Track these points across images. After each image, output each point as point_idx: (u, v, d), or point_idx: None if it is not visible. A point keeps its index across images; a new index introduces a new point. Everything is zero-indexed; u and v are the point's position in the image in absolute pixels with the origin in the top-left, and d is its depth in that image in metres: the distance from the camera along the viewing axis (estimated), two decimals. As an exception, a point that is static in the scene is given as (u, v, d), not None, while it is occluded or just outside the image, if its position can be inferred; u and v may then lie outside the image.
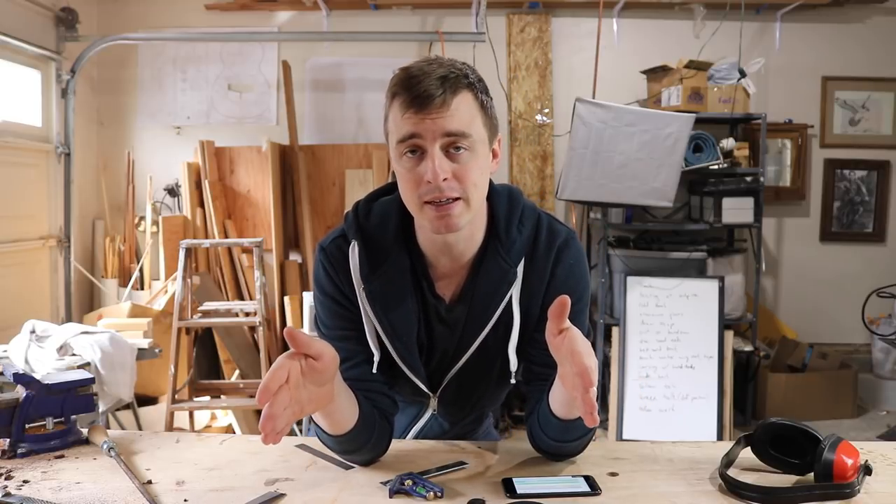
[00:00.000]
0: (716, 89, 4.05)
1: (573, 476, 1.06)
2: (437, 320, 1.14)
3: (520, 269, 1.10)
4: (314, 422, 1.05)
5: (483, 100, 1.03)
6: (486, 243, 1.11)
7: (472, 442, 1.24)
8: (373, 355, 1.12)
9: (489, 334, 1.12)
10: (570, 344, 0.89)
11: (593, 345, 0.94)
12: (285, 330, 0.87)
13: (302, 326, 3.52)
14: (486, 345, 1.13)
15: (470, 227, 1.07)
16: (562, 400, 1.02)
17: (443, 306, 1.13)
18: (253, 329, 3.92)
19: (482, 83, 1.04)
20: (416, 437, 1.28)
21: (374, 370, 1.12)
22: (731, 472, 1.05)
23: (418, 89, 0.97)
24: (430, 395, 1.20)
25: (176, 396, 3.18)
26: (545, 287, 1.11)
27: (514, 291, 1.10)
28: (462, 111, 0.99)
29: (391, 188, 1.16)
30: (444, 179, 0.98)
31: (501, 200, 1.12)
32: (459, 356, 1.15)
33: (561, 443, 1.08)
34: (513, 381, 1.15)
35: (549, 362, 0.98)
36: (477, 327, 1.12)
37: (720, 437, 3.56)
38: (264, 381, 0.84)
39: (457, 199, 1.00)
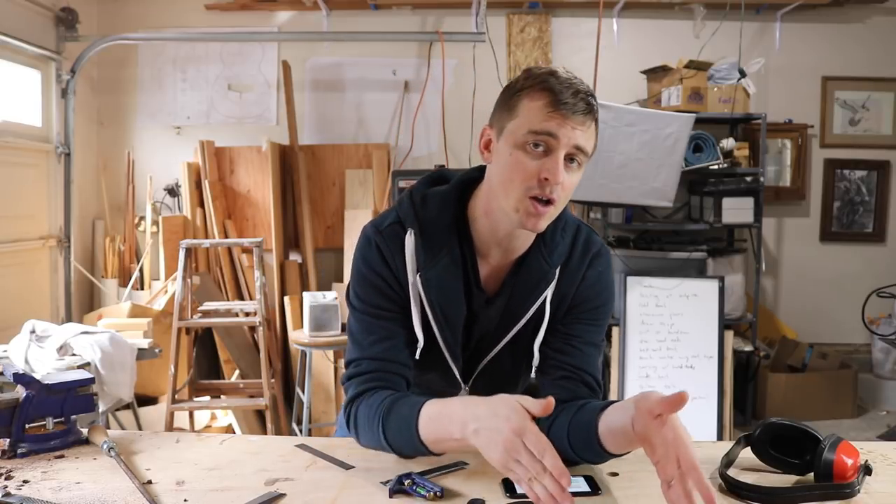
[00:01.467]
0: (716, 89, 4.05)
1: (573, 476, 1.06)
2: (477, 311, 1.19)
3: (552, 284, 1.17)
4: (387, 436, 1.06)
5: (598, 128, 1.10)
6: (533, 245, 1.17)
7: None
8: (415, 340, 1.16)
9: (521, 329, 1.18)
10: (675, 433, 0.89)
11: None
12: (548, 404, 0.89)
13: (302, 326, 3.52)
14: (517, 339, 1.19)
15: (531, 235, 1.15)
16: (616, 432, 1.00)
17: (483, 298, 1.18)
18: (253, 329, 3.92)
19: (598, 115, 1.11)
20: None
21: (416, 356, 1.16)
22: (731, 472, 1.05)
23: (573, 98, 1.03)
24: (462, 385, 1.23)
25: (176, 396, 3.18)
26: (575, 289, 1.19)
27: (549, 291, 1.17)
28: (590, 135, 1.07)
29: (441, 178, 1.23)
30: (558, 184, 1.05)
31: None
32: (492, 347, 1.20)
33: (582, 459, 1.07)
34: (532, 374, 1.20)
35: (564, 349, 1.15)
36: (511, 321, 1.18)
37: (720, 437, 3.56)
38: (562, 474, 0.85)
39: (552, 204, 1.07)
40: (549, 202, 1.05)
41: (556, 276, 1.17)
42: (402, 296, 1.16)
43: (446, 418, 0.99)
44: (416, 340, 1.16)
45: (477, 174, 1.20)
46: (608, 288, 1.22)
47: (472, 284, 1.17)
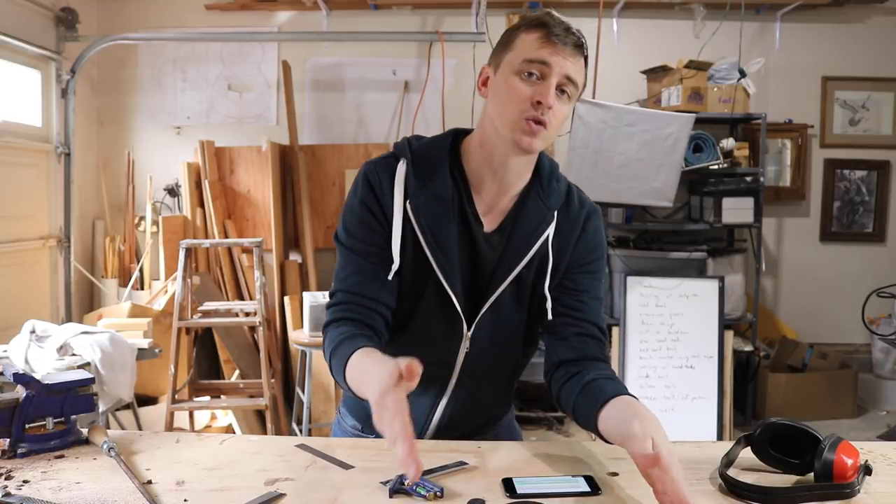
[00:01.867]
0: (716, 89, 4.05)
1: (573, 476, 1.06)
2: (477, 244, 1.21)
3: (552, 224, 1.22)
4: (346, 380, 1.09)
5: (586, 71, 1.19)
6: (529, 188, 1.23)
7: (473, 442, 1.24)
8: (391, 265, 1.17)
9: (524, 270, 1.20)
10: (671, 473, 0.90)
11: None
12: (408, 367, 0.90)
13: (302, 326, 3.52)
14: (520, 283, 1.21)
15: (525, 163, 1.20)
16: (611, 436, 1.06)
17: (482, 231, 1.21)
18: (253, 329, 3.92)
19: (588, 58, 1.19)
20: (441, 420, 1.28)
21: (392, 280, 1.17)
22: (731, 472, 1.05)
23: (565, 32, 1.13)
24: (465, 328, 1.22)
25: (176, 396, 3.18)
26: (576, 239, 1.24)
27: (550, 231, 1.21)
28: (580, 69, 1.16)
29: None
30: (549, 108, 1.12)
31: (545, 161, 1.27)
32: (495, 288, 1.20)
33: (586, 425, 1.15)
34: (549, 316, 1.22)
35: (576, 306, 1.21)
36: (514, 261, 1.20)
37: (720, 437, 3.56)
38: (405, 439, 0.86)
39: (544, 127, 1.13)
40: (541, 123, 1.12)
41: (555, 220, 1.22)
42: (387, 228, 1.18)
43: (362, 377, 1.03)
44: (404, 281, 1.19)
45: (472, 130, 1.27)
46: (604, 242, 1.32)
47: (468, 215, 1.19)
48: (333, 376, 1.14)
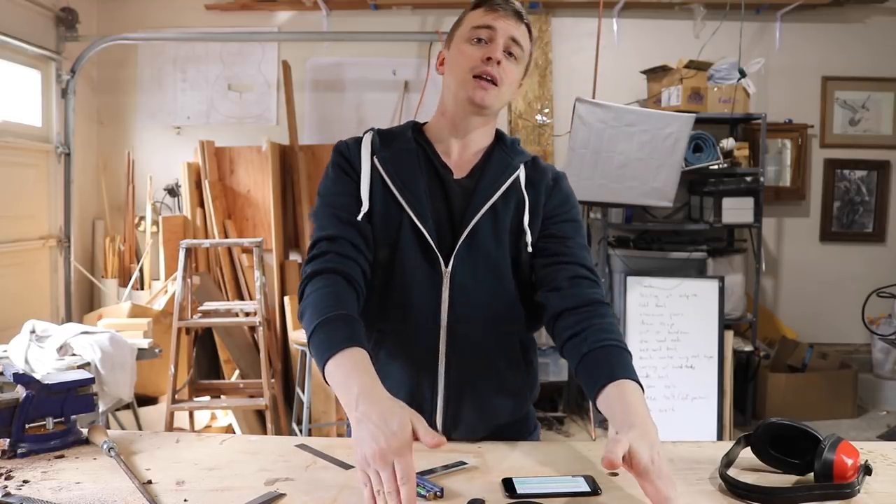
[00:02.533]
0: (716, 89, 4.05)
1: (573, 476, 1.06)
2: (448, 188, 1.28)
3: (521, 170, 1.30)
4: (310, 341, 1.09)
5: (531, 39, 1.31)
6: (494, 147, 1.33)
7: (472, 442, 1.24)
8: (361, 207, 1.23)
9: (500, 203, 1.25)
10: (657, 471, 0.91)
11: None
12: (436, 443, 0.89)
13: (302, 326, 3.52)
14: (497, 215, 1.25)
15: (483, 121, 1.29)
16: (608, 412, 1.09)
17: (451, 178, 1.28)
18: (253, 329, 3.92)
19: (532, 28, 1.31)
20: (447, 385, 1.25)
21: (366, 226, 1.23)
22: (731, 472, 1.05)
23: (505, 3, 1.25)
24: (443, 265, 1.23)
25: (176, 396, 3.18)
26: (550, 191, 1.30)
27: (521, 176, 1.29)
28: (523, 34, 1.27)
29: None
30: (498, 63, 1.22)
31: (506, 135, 1.38)
32: (469, 221, 1.24)
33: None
34: (529, 249, 1.26)
35: (563, 251, 1.26)
36: (486, 194, 1.25)
37: (720, 437, 3.56)
38: None
39: (496, 85, 1.23)
40: (492, 81, 1.22)
41: (524, 173, 1.29)
42: (357, 179, 1.26)
43: (344, 386, 0.99)
44: (379, 228, 1.24)
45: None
46: (576, 199, 1.38)
47: (436, 164, 1.28)
48: (309, 347, 1.10)
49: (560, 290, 1.22)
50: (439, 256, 1.23)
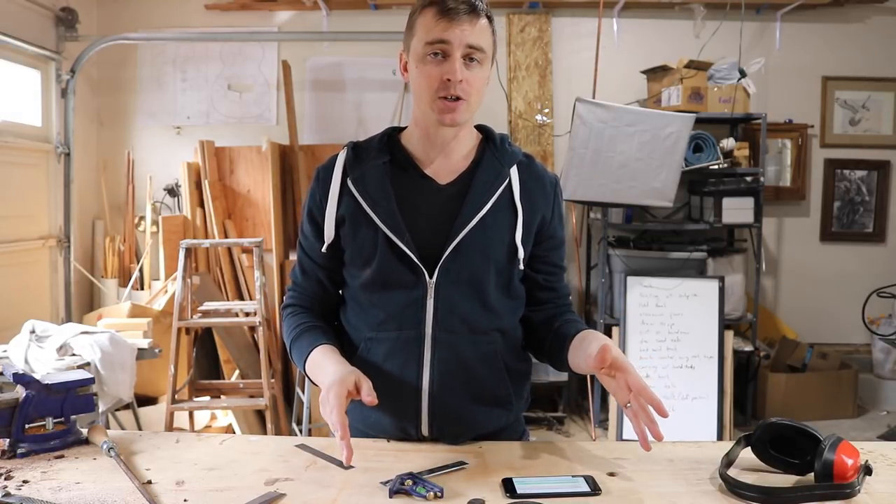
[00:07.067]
0: (716, 89, 4.05)
1: (573, 476, 1.06)
2: (431, 195, 1.27)
3: (514, 172, 1.28)
4: (292, 354, 1.32)
5: (493, 28, 1.24)
6: (483, 150, 1.30)
7: (472, 443, 1.24)
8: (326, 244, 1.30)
9: (489, 217, 1.24)
10: (620, 368, 1.10)
11: None
12: (367, 394, 1.10)
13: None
14: (486, 229, 1.24)
15: (461, 131, 1.27)
16: (577, 366, 1.23)
17: (434, 185, 1.27)
18: (253, 329, 3.92)
19: (491, 14, 1.24)
20: (430, 383, 1.23)
21: (330, 257, 1.31)
22: (731, 472, 1.05)
23: (455, 3, 1.17)
24: (427, 276, 1.22)
25: (176, 396, 3.18)
26: (552, 206, 1.31)
27: (515, 186, 1.27)
28: (481, 30, 1.20)
29: None
30: (460, 81, 1.18)
31: (492, 130, 1.35)
32: (457, 233, 1.23)
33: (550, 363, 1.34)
34: (521, 266, 1.28)
35: (550, 282, 1.34)
36: (475, 207, 1.24)
37: (720, 437, 3.56)
38: (340, 427, 1.05)
39: (462, 100, 1.20)
40: (457, 99, 1.19)
41: (516, 177, 1.28)
42: (325, 213, 1.29)
43: (316, 378, 1.21)
44: (358, 250, 1.28)
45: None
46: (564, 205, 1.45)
47: (414, 175, 1.27)
48: (293, 360, 1.31)
49: (543, 311, 1.36)
50: (423, 269, 1.22)
